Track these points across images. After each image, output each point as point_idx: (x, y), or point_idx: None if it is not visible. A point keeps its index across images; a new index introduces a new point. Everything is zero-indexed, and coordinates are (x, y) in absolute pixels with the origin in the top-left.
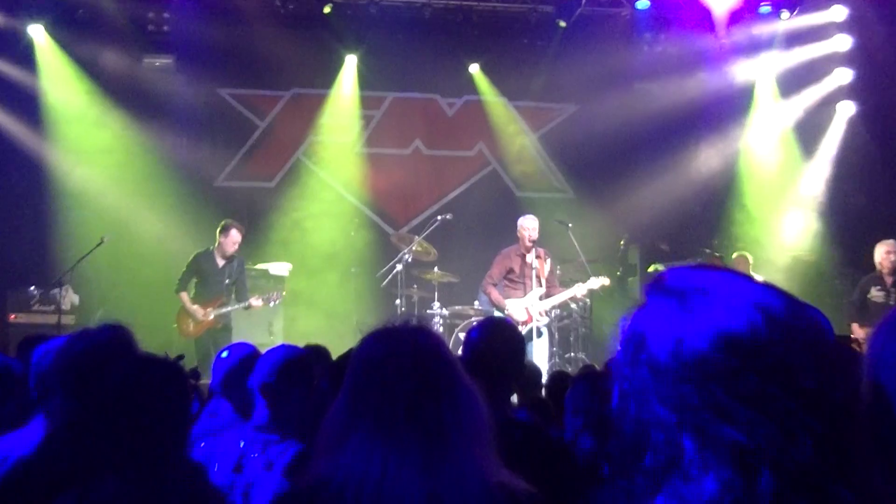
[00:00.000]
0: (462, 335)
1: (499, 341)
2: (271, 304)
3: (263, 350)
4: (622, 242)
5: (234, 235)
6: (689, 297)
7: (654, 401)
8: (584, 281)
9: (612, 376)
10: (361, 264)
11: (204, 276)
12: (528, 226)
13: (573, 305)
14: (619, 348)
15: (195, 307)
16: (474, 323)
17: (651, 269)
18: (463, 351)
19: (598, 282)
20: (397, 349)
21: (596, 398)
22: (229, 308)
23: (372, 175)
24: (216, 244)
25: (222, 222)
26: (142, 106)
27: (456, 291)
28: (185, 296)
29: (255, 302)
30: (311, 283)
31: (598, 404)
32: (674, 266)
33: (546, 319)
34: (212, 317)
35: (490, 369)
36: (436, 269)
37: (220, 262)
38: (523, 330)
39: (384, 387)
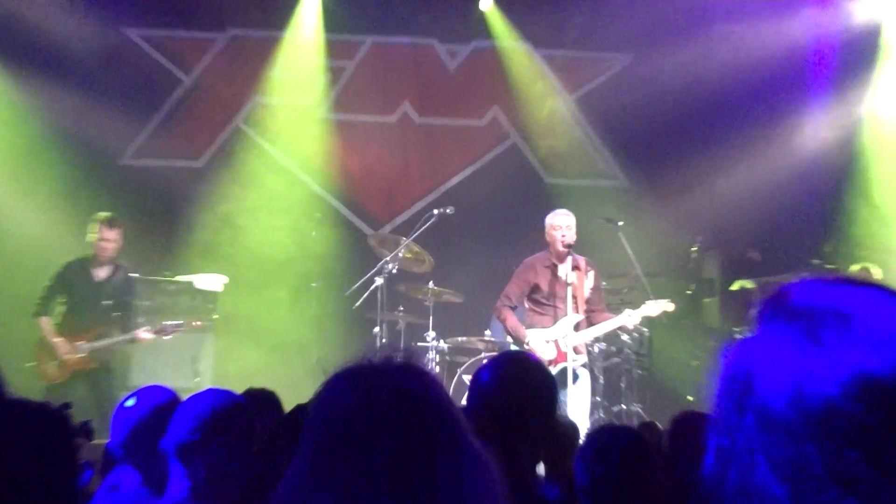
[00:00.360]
0: (467, 378)
1: (519, 387)
2: (181, 331)
3: (185, 397)
4: (694, 249)
5: (111, 234)
6: (822, 324)
7: (762, 464)
8: (639, 304)
9: (707, 430)
10: (326, 277)
11: (74, 295)
12: (562, 224)
13: (625, 338)
14: (716, 392)
15: (58, 339)
16: (485, 361)
17: (736, 286)
18: (468, 400)
19: (660, 306)
20: (375, 397)
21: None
22: (109, 341)
23: (342, 152)
24: (94, 248)
25: (98, 215)
26: (20, 55)
27: (459, 316)
28: (45, 322)
29: (144, 334)
30: (253, 302)
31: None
32: (767, 282)
33: (584, 358)
34: (82, 353)
35: (507, 426)
36: (431, 284)
37: (99, 275)
38: (553, 371)
39: (356, 450)
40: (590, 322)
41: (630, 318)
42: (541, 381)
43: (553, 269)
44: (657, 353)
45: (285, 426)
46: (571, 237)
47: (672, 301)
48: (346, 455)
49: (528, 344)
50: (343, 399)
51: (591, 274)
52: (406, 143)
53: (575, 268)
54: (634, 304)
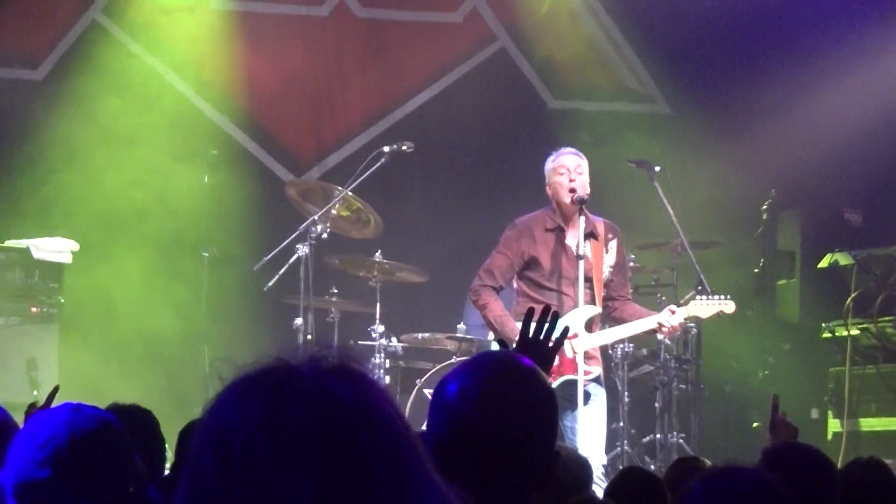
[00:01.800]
0: (430, 392)
1: (504, 405)
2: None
3: (19, 417)
4: (765, 208)
5: None
6: None
7: None
8: (682, 292)
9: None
10: (224, 243)
11: None
12: (570, 167)
13: (661, 336)
14: None
15: None
16: (455, 365)
17: (826, 262)
18: (429, 422)
19: (713, 306)
20: (289, 415)
21: None
22: None
23: (248, 59)
24: None
25: None
26: None
27: (420, 303)
28: None
29: None
30: (115, 280)
31: None
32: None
33: (599, 368)
34: None
35: (484, 461)
36: (378, 256)
37: None
38: (554, 385)
39: (258, 492)
40: (611, 319)
41: (673, 317)
42: (536, 398)
43: (558, 235)
44: (708, 359)
45: (160, 456)
46: (584, 187)
47: (730, 289)
48: (242, 499)
49: (518, 344)
50: (242, 417)
51: (614, 244)
52: (342, 47)
53: (590, 235)
54: (674, 291)
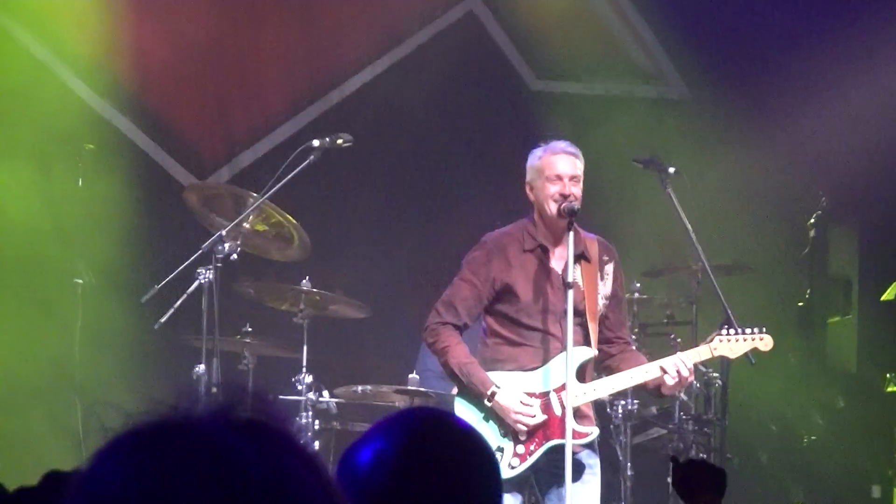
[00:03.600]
0: None
1: (431, 476)
2: None
3: None
4: (813, 220)
5: None
6: None
7: None
8: (703, 334)
9: None
10: (104, 268)
11: None
12: (560, 170)
13: (681, 395)
14: None
15: None
16: (370, 426)
17: (892, 291)
18: (348, 494)
19: (745, 342)
20: (184, 484)
21: None
22: None
23: (135, 28)
24: None
25: None
26: None
27: (360, 346)
28: None
29: None
30: None
31: None
32: None
33: (595, 431)
34: None
35: None
36: (306, 281)
37: None
38: (534, 454)
39: None
40: (603, 368)
41: (680, 367)
42: (471, 465)
43: (540, 256)
44: (738, 419)
45: None
46: (577, 195)
47: (766, 326)
48: None
49: (492, 397)
50: (123, 483)
51: (610, 269)
52: (259, 12)
53: (580, 256)
54: (693, 330)
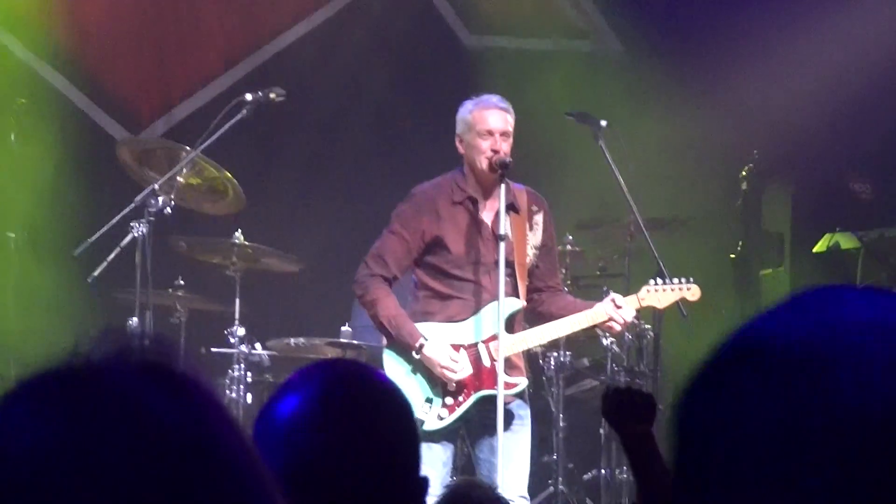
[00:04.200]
0: None
1: (353, 428)
2: None
3: None
4: (745, 174)
5: None
6: None
7: None
8: (635, 285)
9: None
10: (37, 222)
11: None
12: (491, 123)
13: (608, 341)
14: None
15: None
16: (290, 376)
17: (824, 244)
18: (269, 449)
19: (674, 291)
20: (83, 430)
21: None
22: None
23: None
24: None
25: None
26: None
27: (293, 299)
28: None
29: None
30: None
31: None
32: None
33: (525, 382)
34: None
35: (331, 500)
36: (239, 236)
37: None
38: (463, 405)
39: None
40: (537, 315)
41: (619, 312)
42: (391, 416)
43: (470, 208)
44: (671, 370)
45: None
46: (506, 148)
47: (699, 279)
48: None
49: (420, 349)
50: (23, 433)
51: (540, 219)
52: None
53: (510, 208)
54: (626, 283)
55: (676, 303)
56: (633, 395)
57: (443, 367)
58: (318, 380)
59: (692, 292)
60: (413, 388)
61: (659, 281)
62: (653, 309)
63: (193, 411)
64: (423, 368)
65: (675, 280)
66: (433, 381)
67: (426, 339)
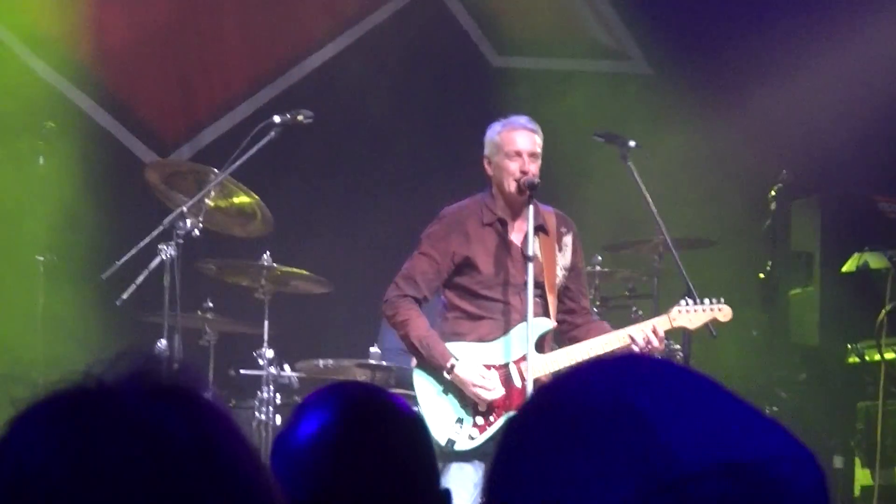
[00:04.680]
0: None
1: (374, 453)
2: None
3: None
4: (773, 193)
5: None
6: None
7: None
8: (665, 306)
9: None
10: (64, 245)
11: None
12: (519, 145)
13: None
14: None
15: None
16: (301, 400)
17: (853, 263)
18: (277, 476)
19: (705, 313)
20: (106, 456)
21: None
22: None
23: (95, 5)
24: None
25: None
26: None
27: (323, 322)
28: None
29: None
30: None
31: None
32: None
33: None
34: None
35: None
36: (267, 258)
37: None
38: (494, 425)
39: None
40: (569, 340)
41: (647, 334)
42: (412, 442)
43: (499, 229)
44: None
45: None
46: (535, 170)
47: (727, 299)
48: None
49: (452, 369)
50: (43, 458)
51: (569, 241)
52: None
53: (539, 229)
54: (655, 304)
55: (707, 324)
56: None
57: (475, 386)
58: (333, 403)
59: (724, 313)
60: (444, 408)
61: (690, 302)
62: (683, 330)
63: (205, 433)
64: (453, 389)
65: (707, 301)
66: (464, 401)
67: (457, 360)
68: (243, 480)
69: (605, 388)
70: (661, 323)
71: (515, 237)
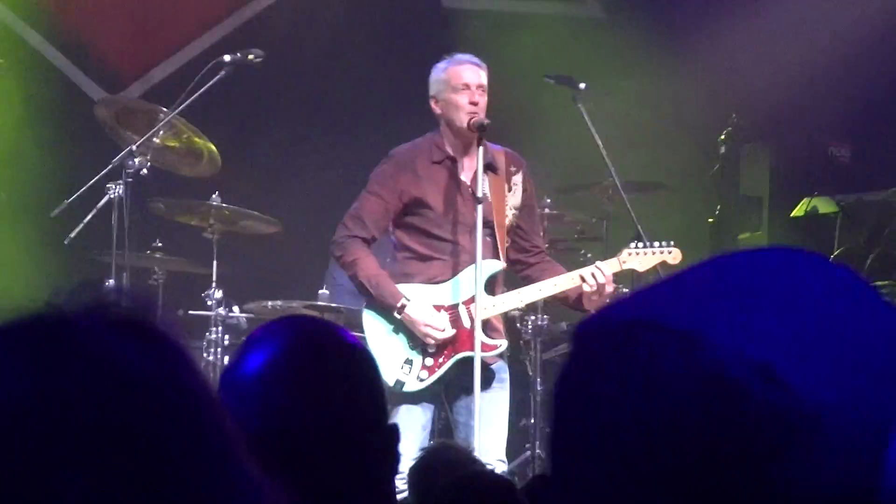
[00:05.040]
0: None
1: (322, 384)
2: None
3: None
4: (723, 137)
5: None
6: None
7: None
8: (615, 249)
9: None
10: (15, 182)
11: None
12: (468, 80)
13: (591, 309)
14: None
15: None
16: (253, 332)
17: (802, 208)
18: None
19: (654, 255)
20: (62, 387)
21: None
22: None
23: None
24: None
25: None
26: None
27: (270, 262)
28: None
29: None
30: None
31: None
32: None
33: (504, 344)
34: None
35: (306, 454)
36: (216, 198)
37: None
38: (443, 367)
39: (16, 489)
40: (522, 279)
41: (597, 275)
42: (360, 372)
43: (449, 168)
44: None
45: None
46: (483, 102)
47: (677, 243)
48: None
49: (402, 309)
50: (8, 380)
51: (519, 179)
52: None
53: (488, 167)
54: (605, 246)
55: (656, 267)
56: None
57: (425, 325)
58: (281, 336)
59: (673, 255)
60: (393, 349)
61: (640, 244)
62: (633, 272)
63: (162, 364)
64: (403, 329)
65: (657, 243)
66: (413, 342)
67: (408, 300)
68: (202, 414)
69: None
70: (611, 265)
71: (465, 176)
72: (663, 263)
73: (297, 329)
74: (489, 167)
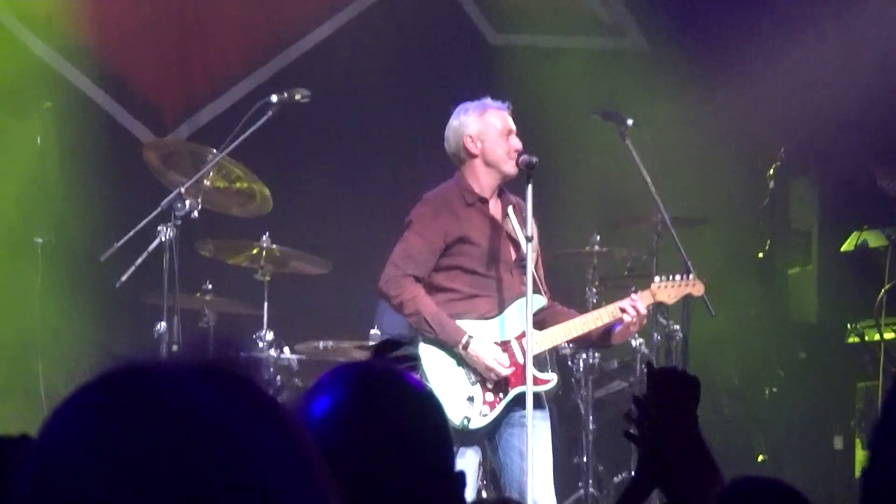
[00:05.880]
0: None
1: (386, 427)
2: None
3: None
4: (772, 172)
5: None
6: None
7: None
8: (643, 281)
9: None
10: (62, 227)
11: None
12: (510, 123)
13: (637, 342)
14: None
15: None
16: (321, 377)
17: (852, 242)
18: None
19: (678, 287)
20: (132, 434)
21: None
22: None
23: None
24: None
25: None
26: None
27: (322, 303)
28: None
29: None
30: None
31: None
32: None
33: (554, 379)
34: None
35: (365, 496)
36: (266, 238)
37: None
38: (503, 402)
39: None
40: (538, 319)
41: (638, 306)
42: (424, 417)
43: (481, 208)
44: (700, 372)
45: None
46: (516, 143)
47: (726, 278)
48: None
49: (466, 346)
50: (72, 436)
51: (534, 223)
52: None
53: (516, 209)
54: (640, 281)
55: (704, 302)
56: (679, 374)
57: (490, 361)
58: (348, 381)
59: (696, 288)
60: (455, 385)
61: (665, 277)
62: (662, 304)
63: (239, 414)
64: (463, 365)
65: (679, 276)
66: (474, 378)
67: (472, 336)
68: (304, 470)
69: None
70: (644, 297)
71: (494, 211)
72: (688, 295)
73: (363, 373)
74: (516, 208)
